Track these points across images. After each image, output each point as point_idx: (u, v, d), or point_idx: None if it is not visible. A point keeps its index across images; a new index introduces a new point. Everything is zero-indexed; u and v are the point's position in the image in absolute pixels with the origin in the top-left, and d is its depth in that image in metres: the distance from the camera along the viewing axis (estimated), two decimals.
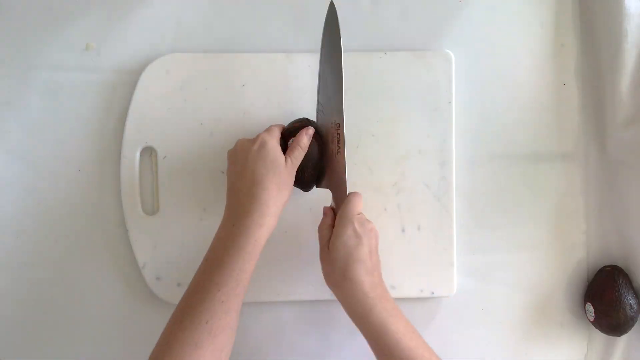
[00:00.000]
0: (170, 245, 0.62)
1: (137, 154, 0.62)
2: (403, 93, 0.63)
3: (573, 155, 0.66)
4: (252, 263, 0.51)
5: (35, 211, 0.63)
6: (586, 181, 0.66)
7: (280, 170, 0.53)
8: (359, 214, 0.54)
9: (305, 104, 0.63)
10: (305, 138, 0.56)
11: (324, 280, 0.55)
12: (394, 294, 0.63)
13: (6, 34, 0.63)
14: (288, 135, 0.57)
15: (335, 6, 0.59)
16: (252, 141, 0.55)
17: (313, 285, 0.63)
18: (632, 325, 0.61)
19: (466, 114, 0.65)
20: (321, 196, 0.62)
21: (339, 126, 0.56)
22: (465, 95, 0.65)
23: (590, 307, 0.63)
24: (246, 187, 0.52)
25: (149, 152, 0.63)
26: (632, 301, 0.61)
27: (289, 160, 0.54)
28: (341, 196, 0.56)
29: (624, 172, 0.63)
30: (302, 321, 0.64)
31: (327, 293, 0.63)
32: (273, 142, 0.54)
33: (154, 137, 0.62)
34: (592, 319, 0.63)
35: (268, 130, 0.56)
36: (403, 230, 0.63)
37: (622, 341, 0.64)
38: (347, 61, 0.63)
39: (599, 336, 0.65)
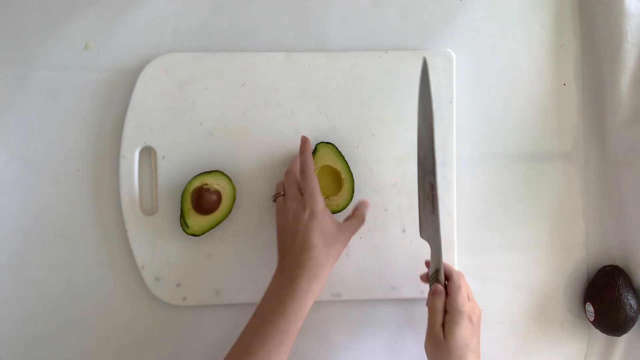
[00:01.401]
0: (169, 245, 0.62)
1: (136, 154, 0.62)
2: (403, 93, 0.63)
3: (573, 155, 0.66)
4: (296, 325, 0.51)
5: (35, 211, 0.62)
6: (586, 181, 0.66)
7: (331, 239, 0.54)
8: (469, 300, 0.55)
9: (305, 104, 0.63)
10: (366, 212, 0.58)
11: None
12: (394, 294, 0.63)
13: (6, 34, 0.63)
14: None
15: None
16: (302, 205, 0.54)
17: None
18: (632, 325, 0.61)
19: (467, 114, 0.65)
20: None
21: (433, 187, 0.54)
22: (466, 95, 0.65)
23: (590, 307, 0.63)
24: (296, 252, 0.53)
25: (148, 152, 0.63)
26: (632, 301, 0.61)
27: (346, 229, 0.55)
28: (435, 254, 0.56)
29: (624, 172, 0.63)
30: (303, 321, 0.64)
31: (327, 294, 0.63)
32: (321, 210, 0.54)
33: (153, 137, 0.62)
34: (592, 319, 0.63)
35: (313, 192, 0.54)
36: (404, 231, 0.63)
37: (622, 341, 0.65)
38: (348, 61, 0.63)
39: (599, 336, 0.65)
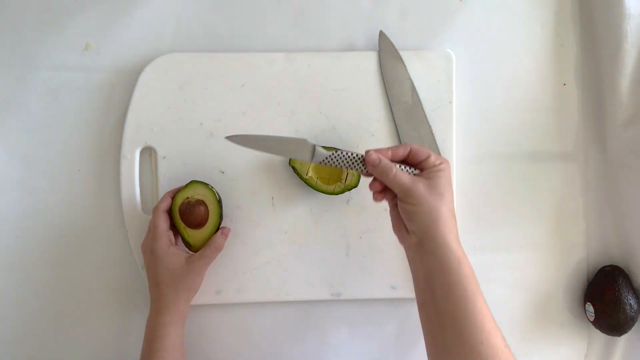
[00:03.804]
0: None
1: (137, 154, 0.62)
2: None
3: (573, 155, 0.66)
4: (171, 354, 0.55)
5: (35, 211, 0.63)
6: (586, 181, 0.66)
7: (178, 274, 0.56)
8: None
9: (305, 104, 0.63)
10: (222, 240, 0.58)
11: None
12: (394, 294, 0.63)
13: (6, 34, 0.63)
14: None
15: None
16: (144, 243, 0.58)
17: (313, 285, 0.63)
18: (632, 325, 0.61)
19: (466, 114, 0.65)
20: (320, 197, 0.62)
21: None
22: (466, 95, 0.65)
23: (590, 307, 0.63)
24: (150, 288, 0.58)
25: (148, 152, 0.63)
26: (632, 301, 0.61)
27: (197, 260, 0.56)
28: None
29: (624, 172, 0.63)
30: (302, 321, 0.64)
31: (327, 293, 0.63)
32: (163, 247, 0.56)
33: (154, 137, 0.62)
34: (592, 319, 0.63)
35: (155, 230, 0.56)
36: None
37: (622, 341, 0.65)
38: (348, 61, 0.63)
39: (599, 336, 0.65)
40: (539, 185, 0.66)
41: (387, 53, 0.62)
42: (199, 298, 0.62)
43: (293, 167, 0.61)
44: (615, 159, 0.64)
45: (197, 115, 0.62)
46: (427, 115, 0.63)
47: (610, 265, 0.64)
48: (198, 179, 0.60)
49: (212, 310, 0.63)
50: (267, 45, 0.64)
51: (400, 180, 0.49)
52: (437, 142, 0.63)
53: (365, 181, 0.63)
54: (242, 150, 0.62)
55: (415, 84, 0.63)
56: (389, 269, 0.63)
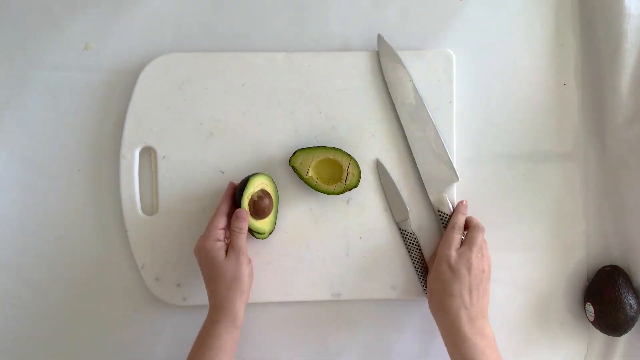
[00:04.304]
0: (169, 245, 0.62)
1: (137, 154, 0.62)
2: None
3: (573, 155, 0.66)
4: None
5: (35, 211, 0.62)
6: (586, 181, 0.66)
7: (221, 274, 0.55)
8: (459, 249, 0.58)
9: (305, 104, 0.63)
10: (243, 222, 0.56)
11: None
12: (394, 294, 0.63)
13: (6, 34, 0.63)
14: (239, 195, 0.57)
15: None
16: (196, 248, 0.57)
17: (313, 285, 0.63)
18: (632, 325, 0.61)
19: (467, 114, 0.65)
20: (320, 197, 0.62)
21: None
22: (466, 95, 0.65)
23: (590, 307, 0.63)
24: (209, 294, 0.57)
25: (148, 152, 0.63)
26: (632, 301, 0.61)
27: (231, 254, 0.55)
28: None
29: (624, 172, 0.63)
30: (302, 322, 0.64)
31: (327, 293, 0.63)
32: (206, 250, 0.55)
33: (153, 137, 0.62)
34: (592, 319, 0.63)
35: (207, 227, 0.57)
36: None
37: (622, 341, 0.64)
38: (348, 61, 0.63)
39: (599, 336, 0.65)
40: (539, 185, 0.66)
41: (387, 56, 0.62)
42: (199, 298, 0.62)
43: (293, 167, 0.61)
44: (615, 159, 0.64)
45: (197, 115, 0.62)
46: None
47: (610, 265, 0.64)
48: (198, 179, 0.61)
49: None
50: (267, 45, 0.64)
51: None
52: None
53: (365, 181, 0.63)
54: (242, 149, 0.62)
55: (416, 84, 0.63)
56: (389, 269, 0.63)
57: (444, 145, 0.62)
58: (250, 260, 0.57)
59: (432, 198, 0.62)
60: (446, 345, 0.56)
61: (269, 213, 0.59)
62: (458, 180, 0.62)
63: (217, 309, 0.55)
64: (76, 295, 0.63)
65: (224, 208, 0.58)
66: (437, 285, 0.57)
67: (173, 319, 0.63)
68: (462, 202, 0.62)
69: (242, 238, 0.56)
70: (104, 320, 0.63)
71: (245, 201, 0.57)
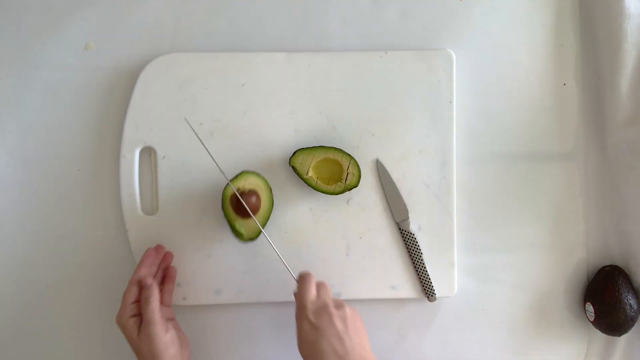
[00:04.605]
0: (169, 245, 0.62)
1: (137, 154, 0.62)
2: (403, 93, 0.63)
3: (573, 155, 0.66)
4: None
5: (35, 211, 0.62)
6: (586, 181, 0.66)
7: (139, 352, 0.53)
8: (315, 301, 0.53)
9: (305, 104, 0.63)
10: (149, 290, 0.54)
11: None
12: (394, 294, 0.63)
13: (6, 34, 0.63)
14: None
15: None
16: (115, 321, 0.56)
17: None
18: (632, 325, 0.61)
19: (467, 114, 0.65)
20: (320, 197, 0.62)
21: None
22: (466, 95, 0.65)
23: (590, 307, 0.63)
24: None
25: (148, 152, 0.63)
26: (632, 301, 0.61)
27: (143, 329, 0.53)
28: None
29: (624, 172, 0.63)
30: None
31: None
32: (121, 327, 0.54)
33: (153, 137, 0.62)
34: (592, 319, 0.63)
35: (122, 300, 0.55)
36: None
37: (622, 341, 0.65)
38: (348, 61, 0.63)
39: (599, 336, 0.65)
40: (539, 185, 0.66)
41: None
42: (199, 298, 0.62)
43: (293, 167, 0.61)
44: (615, 159, 0.64)
45: (197, 115, 0.62)
46: (428, 116, 0.63)
47: (610, 265, 0.64)
48: (198, 179, 0.60)
49: (212, 310, 0.63)
50: (267, 45, 0.64)
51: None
52: (438, 142, 0.63)
53: (365, 181, 0.63)
54: (242, 149, 0.62)
55: (416, 84, 0.63)
56: (389, 269, 0.63)
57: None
58: (169, 327, 0.54)
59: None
60: None
61: (255, 212, 0.58)
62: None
63: None
64: (76, 295, 0.63)
65: (136, 277, 0.55)
66: (306, 348, 0.51)
67: None
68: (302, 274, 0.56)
69: (151, 308, 0.52)
70: (104, 320, 0.63)
71: (228, 189, 0.57)
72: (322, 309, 0.52)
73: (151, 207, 0.63)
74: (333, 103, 0.63)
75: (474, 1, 0.65)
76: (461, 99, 0.64)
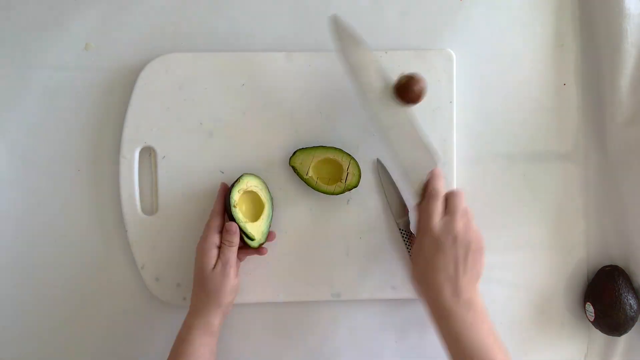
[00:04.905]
0: (169, 245, 0.62)
1: (136, 154, 0.62)
2: None
3: (573, 155, 0.66)
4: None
5: (35, 211, 0.62)
6: (586, 181, 0.66)
7: (206, 283, 0.55)
8: (442, 219, 0.53)
9: (305, 104, 0.63)
10: (234, 236, 0.56)
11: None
12: (394, 294, 0.63)
13: (6, 34, 0.63)
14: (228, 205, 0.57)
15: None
16: (197, 247, 0.58)
17: (313, 285, 0.63)
18: (632, 325, 0.61)
19: (467, 114, 0.65)
20: (320, 197, 0.62)
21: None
22: (466, 95, 0.65)
23: (590, 307, 0.63)
24: (192, 293, 0.58)
25: (148, 152, 0.63)
26: (632, 301, 0.61)
27: (219, 266, 0.55)
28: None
29: (624, 172, 0.63)
30: (302, 322, 0.64)
31: (327, 293, 0.63)
32: (201, 253, 0.56)
33: (153, 137, 0.62)
34: (592, 319, 0.63)
35: (205, 227, 0.58)
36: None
37: (622, 341, 0.65)
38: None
39: (599, 336, 0.65)
40: (539, 185, 0.66)
41: (345, 40, 0.57)
42: None
43: (293, 167, 0.61)
44: (615, 159, 0.64)
45: (197, 115, 0.62)
46: (428, 116, 0.63)
47: (610, 265, 0.64)
48: (198, 179, 0.60)
49: None
50: (267, 45, 0.64)
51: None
52: (438, 142, 0.63)
53: (365, 181, 0.63)
54: (242, 149, 0.62)
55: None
56: (389, 269, 0.63)
57: (419, 130, 0.58)
58: (237, 274, 0.58)
59: (413, 190, 0.57)
60: (431, 321, 0.54)
61: (259, 216, 0.59)
62: (439, 161, 0.58)
63: (194, 314, 0.56)
64: (76, 295, 0.63)
65: (218, 208, 0.58)
66: (420, 259, 0.54)
67: (173, 318, 0.63)
68: (434, 169, 0.56)
69: (232, 251, 0.56)
70: (104, 320, 0.63)
71: (236, 195, 0.57)
72: (449, 227, 0.52)
73: (151, 207, 0.63)
74: (333, 103, 0.63)
75: (474, 1, 0.65)
76: (461, 99, 0.64)
